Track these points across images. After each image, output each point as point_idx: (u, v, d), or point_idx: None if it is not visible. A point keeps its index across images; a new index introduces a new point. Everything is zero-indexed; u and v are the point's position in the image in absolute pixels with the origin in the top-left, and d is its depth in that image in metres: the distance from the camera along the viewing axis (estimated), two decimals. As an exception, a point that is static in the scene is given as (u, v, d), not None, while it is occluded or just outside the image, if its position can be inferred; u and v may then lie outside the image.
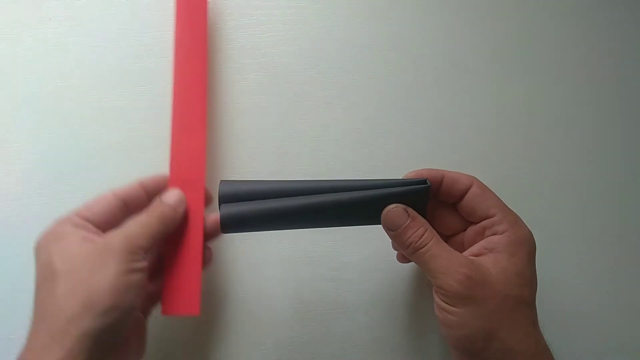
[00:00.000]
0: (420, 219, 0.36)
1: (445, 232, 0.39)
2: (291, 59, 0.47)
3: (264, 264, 0.46)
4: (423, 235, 0.35)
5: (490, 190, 0.37)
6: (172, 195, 0.37)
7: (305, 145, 0.47)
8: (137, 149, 0.46)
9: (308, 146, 0.47)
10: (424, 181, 0.37)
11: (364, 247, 0.46)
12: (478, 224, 0.37)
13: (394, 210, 0.35)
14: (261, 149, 0.46)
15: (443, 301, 0.34)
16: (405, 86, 0.48)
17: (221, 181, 0.38)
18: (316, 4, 0.48)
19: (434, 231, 0.35)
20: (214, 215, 0.39)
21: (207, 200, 0.40)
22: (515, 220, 0.36)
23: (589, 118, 0.49)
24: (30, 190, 0.45)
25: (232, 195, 0.37)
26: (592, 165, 0.49)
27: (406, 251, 0.36)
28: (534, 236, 0.36)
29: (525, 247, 0.35)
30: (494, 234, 0.36)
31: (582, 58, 0.50)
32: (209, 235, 0.40)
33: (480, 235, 0.37)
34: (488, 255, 0.35)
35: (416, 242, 0.35)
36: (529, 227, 0.37)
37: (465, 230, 0.39)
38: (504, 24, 0.50)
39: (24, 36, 0.46)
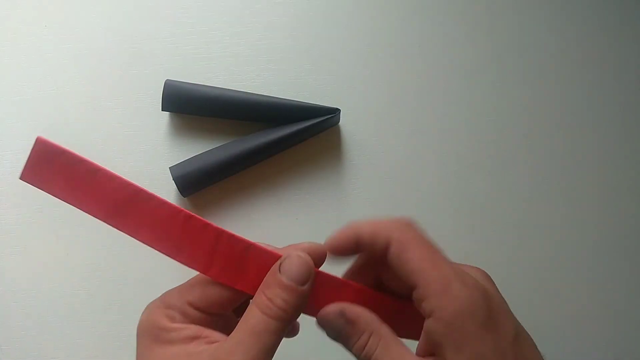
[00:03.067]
0: (362, 321, 0.26)
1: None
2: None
3: None
4: (367, 343, 0.26)
5: (420, 241, 0.26)
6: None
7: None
8: (136, 150, 0.47)
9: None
10: (335, 110, 0.45)
11: None
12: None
13: (327, 316, 0.27)
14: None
15: None
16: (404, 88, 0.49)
17: (170, 167, 0.45)
18: None
19: (383, 330, 0.26)
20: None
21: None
22: (446, 283, 0.24)
23: (588, 121, 0.49)
24: (27, 198, 0.47)
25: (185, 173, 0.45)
26: (592, 167, 0.49)
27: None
28: (491, 295, 0.25)
29: (470, 320, 0.23)
30: (426, 315, 0.25)
31: (581, 61, 0.50)
32: None
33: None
34: (436, 357, 0.24)
35: (361, 354, 0.26)
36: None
37: None
38: (501, 28, 0.51)
39: (19, 42, 0.49)
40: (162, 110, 0.47)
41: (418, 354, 0.26)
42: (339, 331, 0.27)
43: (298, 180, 0.47)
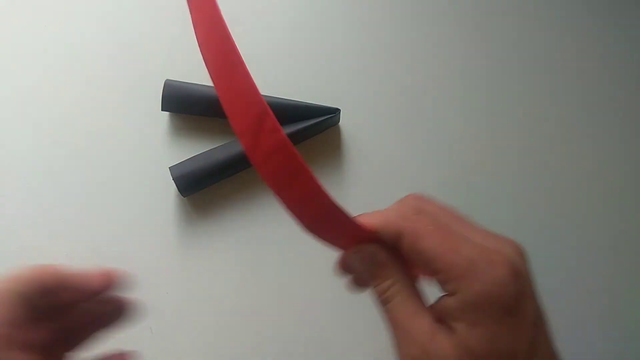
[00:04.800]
0: (389, 268, 0.26)
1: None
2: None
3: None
4: (388, 289, 0.26)
5: (433, 227, 0.26)
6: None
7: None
8: (136, 150, 0.47)
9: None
10: (335, 110, 0.45)
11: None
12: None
13: (361, 252, 0.27)
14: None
15: None
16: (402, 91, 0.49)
17: (170, 167, 0.45)
18: None
19: (407, 282, 0.26)
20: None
21: None
22: (472, 263, 0.23)
23: (588, 121, 0.49)
24: (31, 200, 0.47)
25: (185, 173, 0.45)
26: (592, 167, 0.49)
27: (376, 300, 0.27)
28: (520, 275, 0.24)
29: (491, 304, 0.23)
30: (446, 294, 0.24)
31: (580, 63, 0.50)
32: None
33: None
34: (443, 328, 0.24)
35: (380, 297, 0.26)
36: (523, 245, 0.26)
37: None
38: (502, 28, 0.51)
39: (18, 43, 0.49)
40: (162, 110, 0.47)
41: None
42: (368, 269, 0.27)
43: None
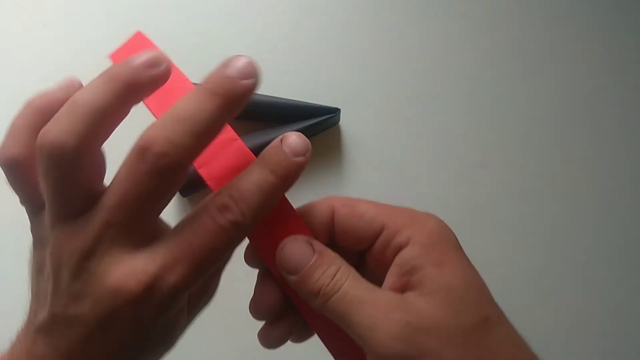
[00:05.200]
0: (331, 253, 0.24)
1: None
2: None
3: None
4: (336, 274, 0.23)
5: (362, 200, 0.26)
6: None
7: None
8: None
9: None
10: (335, 110, 0.45)
11: None
12: (375, 248, 0.25)
13: (292, 245, 0.24)
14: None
15: None
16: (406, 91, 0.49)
17: None
18: None
19: (350, 267, 0.24)
20: None
21: None
22: (412, 217, 0.25)
23: (588, 121, 0.50)
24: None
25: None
26: (592, 167, 0.49)
27: (315, 301, 0.23)
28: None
29: (445, 242, 0.24)
30: (398, 249, 0.24)
31: (580, 63, 0.50)
32: None
33: (386, 260, 0.25)
34: (412, 283, 0.23)
35: (327, 286, 0.23)
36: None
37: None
38: (502, 28, 0.51)
39: (18, 43, 0.49)
40: (162, 110, 0.47)
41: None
42: (305, 262, 0.23)
43: (298, 180, 0.47)
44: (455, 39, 0.50)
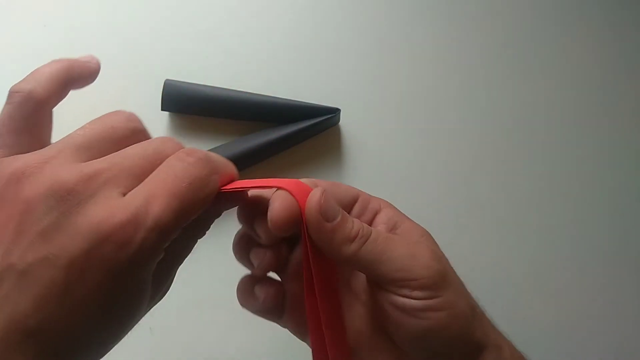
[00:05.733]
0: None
1: None
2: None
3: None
4: (361, 227, 0.25)
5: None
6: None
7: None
8: None
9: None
10: (335, 110, 0.45)
11: None
12: (353, 213, 0.28)
13: (328, 196, 0.24)
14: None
15: (419, 299, 0.25)
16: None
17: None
18: None
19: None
20: None
21: None
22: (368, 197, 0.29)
23: (591, 122, 0.49)
24: None
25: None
26: (594, 168, 0.49)
27: (350, 247, 0.24)
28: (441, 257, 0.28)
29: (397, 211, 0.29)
30: (376, 212, 0.28)
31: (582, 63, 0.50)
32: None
33: (366, 222, 0.28)
34: (400, 233, 0.28)
35: (363, 229, 0.25)
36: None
37: None
38: (502, 28, 0.51)
39: (18, 42, 0.49)
40: (162, 110, 0.46)
41: None
42: (337, 214, 0.24)
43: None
44: (456, 39, 0.50)
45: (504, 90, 0.50)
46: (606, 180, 0.49)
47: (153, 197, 0.20)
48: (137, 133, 0.24)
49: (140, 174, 0.21)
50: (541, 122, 0.49)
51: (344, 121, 0.48)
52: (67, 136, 0.23)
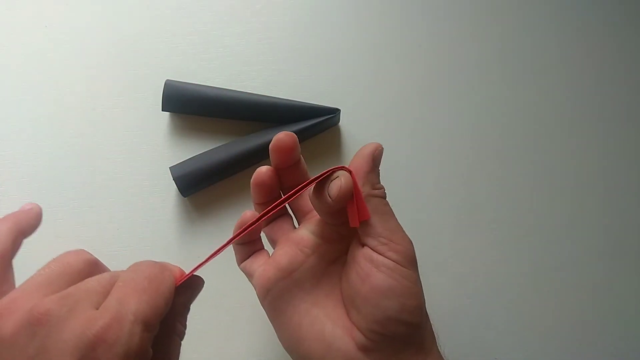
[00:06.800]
0: None
1: None
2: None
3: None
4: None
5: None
6: None
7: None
8: (136, 150, 0.48)
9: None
10: (335, 110, 0.46)
11: None
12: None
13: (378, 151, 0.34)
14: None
15: (391, 260, 0.29)
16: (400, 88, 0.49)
17: (171, 167, 0.45)
18: None
19: None
20: None
21: None
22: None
23: (592, 123, 0.49)
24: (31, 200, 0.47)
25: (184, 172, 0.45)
26: (595, 169, 0.49)
27: (378, 191, 0.32)
28: None
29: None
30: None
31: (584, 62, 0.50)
32: None
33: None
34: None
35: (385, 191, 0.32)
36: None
37: None
38: (503, 29, 0.51)
39: (18, 43, 0.49)
40: (162, 110, 0.47)
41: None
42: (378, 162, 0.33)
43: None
44: (456, 40, 0.50)
45: (504, 91, 0.50)
46: (606, 181, 0.49)
47: (125, 298, 0.23)
48: (91, 264, 0.26)
49: (104, 292, 0.23)
50: (541, 122, 0.49)
51: (344, 121, 0.48)
52: (29, 278, 0.25)
